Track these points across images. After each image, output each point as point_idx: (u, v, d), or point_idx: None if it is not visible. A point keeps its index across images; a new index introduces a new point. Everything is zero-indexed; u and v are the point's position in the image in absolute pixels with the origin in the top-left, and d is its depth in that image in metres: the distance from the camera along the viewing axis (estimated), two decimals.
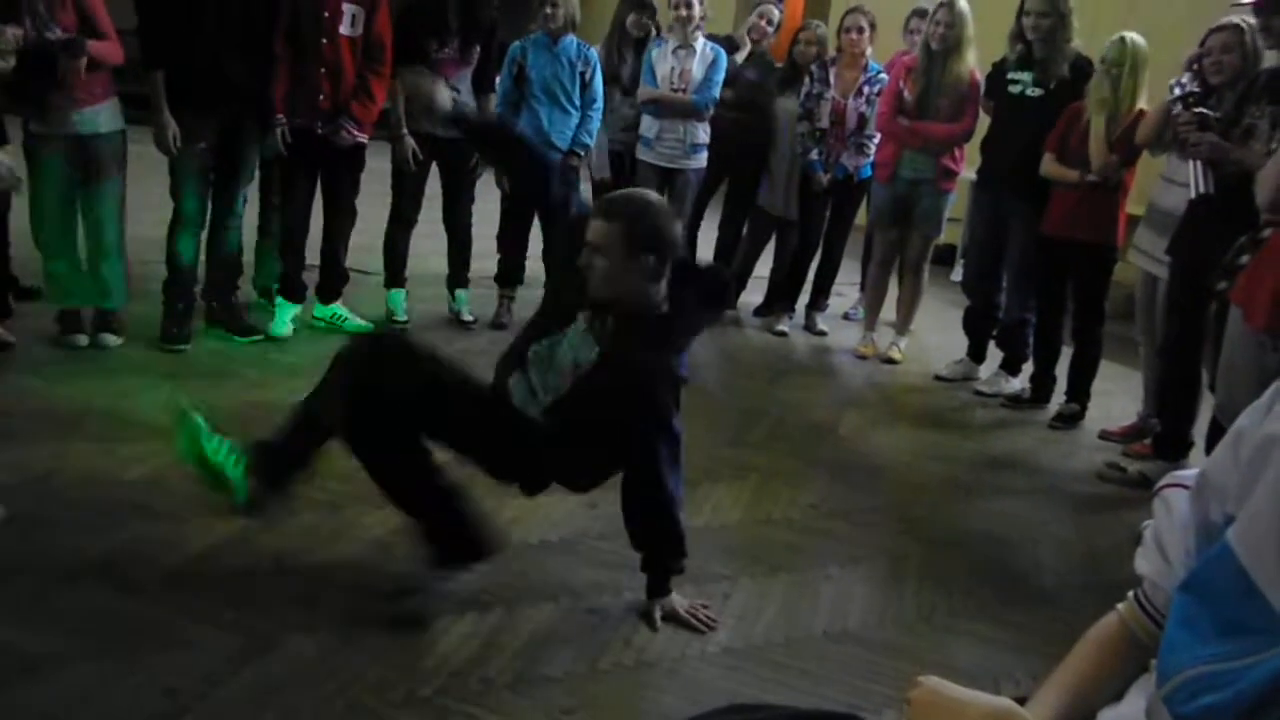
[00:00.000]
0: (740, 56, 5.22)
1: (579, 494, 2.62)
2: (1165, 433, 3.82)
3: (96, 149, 3.65)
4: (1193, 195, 3.47)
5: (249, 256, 4.40)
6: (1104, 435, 4.24)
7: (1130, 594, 1.11)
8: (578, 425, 2.35)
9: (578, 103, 4.67)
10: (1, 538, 2.43)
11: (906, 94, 4.74)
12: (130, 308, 3.96)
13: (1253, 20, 3.55)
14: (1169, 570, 1.05)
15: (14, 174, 2.81)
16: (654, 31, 5.08)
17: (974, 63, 4.68)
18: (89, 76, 3.56)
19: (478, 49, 4.46)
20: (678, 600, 2.44)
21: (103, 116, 3.65)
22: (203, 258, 4.07)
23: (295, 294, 4.35)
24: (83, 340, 3.79)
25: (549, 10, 4.55)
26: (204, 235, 4.03)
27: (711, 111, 4.98)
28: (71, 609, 2.20)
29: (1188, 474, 1.08)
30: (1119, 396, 4.63)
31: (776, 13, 5.27)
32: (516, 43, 4.67)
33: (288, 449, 2.56)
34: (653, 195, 2.48)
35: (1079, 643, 1.11)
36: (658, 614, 2.41)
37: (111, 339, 3.85)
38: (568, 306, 2.45)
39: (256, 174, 4.16)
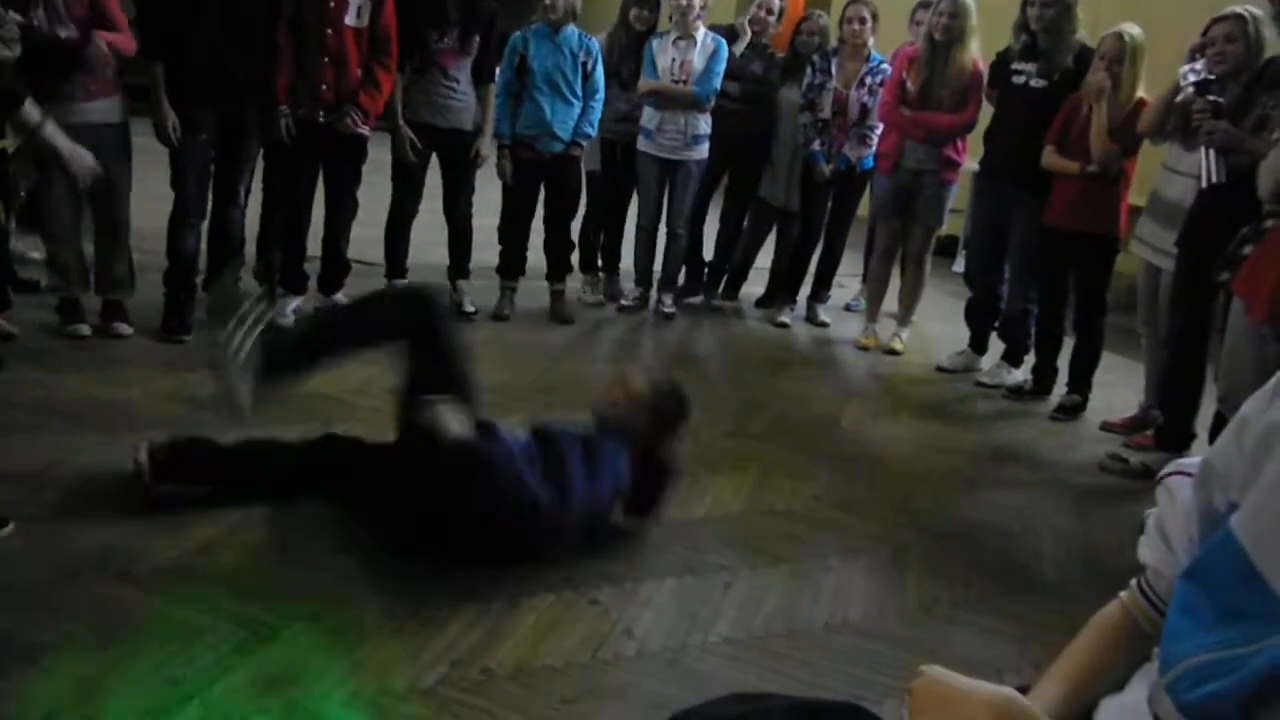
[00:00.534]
0: (739, 47, 5.19)
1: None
2: (1168, 424, 3.82)
3: (101, 140, 3.64)
4: (1203, 184, 3.44)
5: (250, 247, 4.39)
6: (1105, 426, 4.24)
7: (1133, 582, 1.11)
8: None
9: (579, 93, 4.66)
10: None
11: (909, 84, 4.73)
12: (132, 298, 3.95)
13: (1256, 10, 3.53)
14: (1172, 558, 1.05)
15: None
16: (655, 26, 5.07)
17: (977, 53, 4.66)
18: (96, 73, 3.55)
19: (477, 39, 4.45)
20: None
21: (108, 109, 3.65)
22: (204, 248, 4.07)
23: (297, 285, 4.35)
24: (84, 330, 3.79)
25: (549, 1, 4.53)
26: (205, 226, 4.02)
27: (713, 102, 4.96)
28: (73, 599, 2.20)
29: (1191, 462, 1.08)
30: (1120, 388, 4.62)
31: (778, 2, 5.25)
32: (518, 33, 4.65)
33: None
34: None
35: (1081, 631, 1.11)
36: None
37: (125, 328, 3.86)
38: None
39: (258, 165, 4.15)
